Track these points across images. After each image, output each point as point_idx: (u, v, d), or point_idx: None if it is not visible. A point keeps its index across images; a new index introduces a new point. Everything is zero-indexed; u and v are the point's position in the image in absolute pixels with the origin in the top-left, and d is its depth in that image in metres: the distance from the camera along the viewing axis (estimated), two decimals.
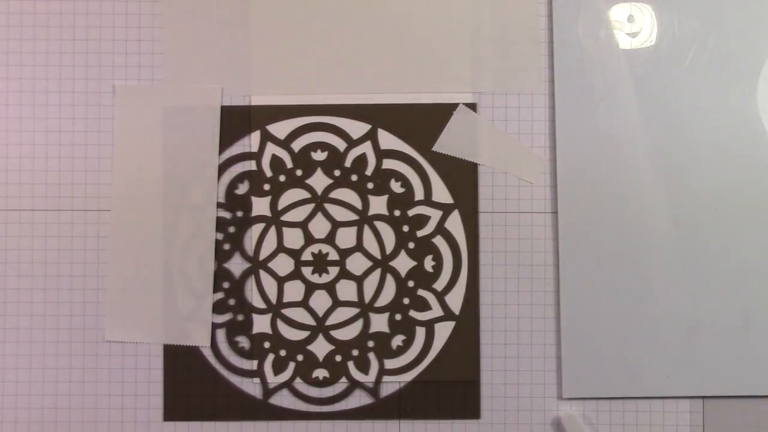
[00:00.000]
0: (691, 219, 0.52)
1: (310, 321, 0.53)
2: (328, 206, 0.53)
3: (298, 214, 0.53)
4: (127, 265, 0.52)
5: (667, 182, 0.52)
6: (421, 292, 0.53)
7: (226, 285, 0.52)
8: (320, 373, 0.52)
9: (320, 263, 0.53)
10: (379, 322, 0.52)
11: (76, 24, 0.53)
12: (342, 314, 0.53)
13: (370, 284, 0.53)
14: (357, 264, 0.53)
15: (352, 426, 0.52)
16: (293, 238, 0.53)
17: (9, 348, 0.52)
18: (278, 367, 0.52)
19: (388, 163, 0.53)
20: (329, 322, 0.53)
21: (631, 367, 0.52)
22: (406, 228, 0.53)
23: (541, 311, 0.52)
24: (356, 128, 0.53)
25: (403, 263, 0.52)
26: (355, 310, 0.53)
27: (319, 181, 0.53)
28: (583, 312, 0.52)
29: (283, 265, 0.53)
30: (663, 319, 0.52)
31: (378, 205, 0.53)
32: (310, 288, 0.53)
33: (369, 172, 0.53)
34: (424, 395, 0.52)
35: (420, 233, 0.52)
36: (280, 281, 0.53)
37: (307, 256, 0.53)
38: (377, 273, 0.52)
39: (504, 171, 0.53)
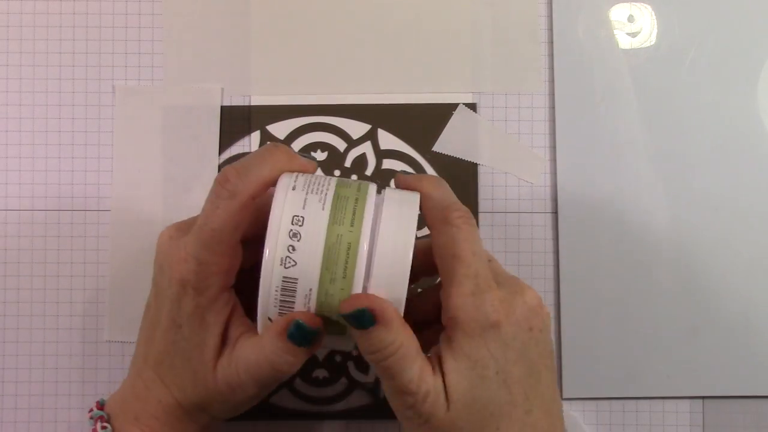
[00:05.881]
0: (691, 219, 0.52)
1: None
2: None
3: None
4: (127, 265, 0.52)
5: (667, 182, 0.52)
6: None
7: None
8: (320, 373, 0.52)
9: None
10: None
11: (76, 24, 0.53)
12: None
13: None
14: None
15: (352, 426, 0.52)
16: None
17: (9, 348, 0.52)
18: None
19: (388, 163, 0.53)
20: None
21: (631, 367, 0.52)
22: None
23: None
24: (356, 128, 0.53)
25: None
26: None
27: None
28: (583, 312, 0.52)
29: None
30: (663, 319, 0.52)
31: None
32: None
33: (369, 172, 0.53)
34: None
35: (420, 233, 0.52)
36: None
37: None
38: None
39: (504, 171, 0.53)
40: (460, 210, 0.37)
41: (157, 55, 0.53)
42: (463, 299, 0.36)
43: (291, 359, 0.37)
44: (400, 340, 0.36)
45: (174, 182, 0.52)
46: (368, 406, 0.52)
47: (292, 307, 0.36)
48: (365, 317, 0.35)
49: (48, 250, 0.52)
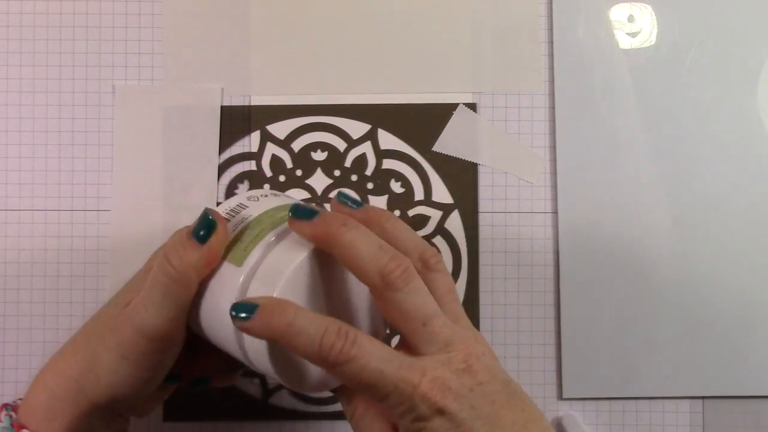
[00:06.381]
0: (691, 219, 0.52)
1: None
2: (329, 206, 0.53)
3: None
4: (127, 265, 0.52)
5: (667, 182, 0.52)
6: None
7: None
8: None
9: None
10: None
11: (76, 24, 0.53)
12: None
13: None
14: None
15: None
16: None
17: (9, 348, 0.52)
18: None
19: (388, 163, 0.53)
20: None
21: (631, 367, 0.52)
22: None
23: (541, 311, 0.52)
24: (356, 128, 0.53)
25: None
26: None
27: (319, 181, 0.53)
28: (583, 312, 0.52)
29: None
30: (663, 319, 0.52)
31: (378, 205, 0.52)
32: None
33: (369, 172, 0.53)
34: None
35: (420, 233, 0.52)
36: None
37: None
38: None
39: (504, 171, 0.53)
40: (395, 269, 0.34)
41: (157, 55, 0.53)
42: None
43: (181, 251, 0.36)
44: (292, 310, 0.33)
45: (174, 182, 0.52)
46: None
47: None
48: (247, 305, 0.33)
49: (48, 250, 0.52)
